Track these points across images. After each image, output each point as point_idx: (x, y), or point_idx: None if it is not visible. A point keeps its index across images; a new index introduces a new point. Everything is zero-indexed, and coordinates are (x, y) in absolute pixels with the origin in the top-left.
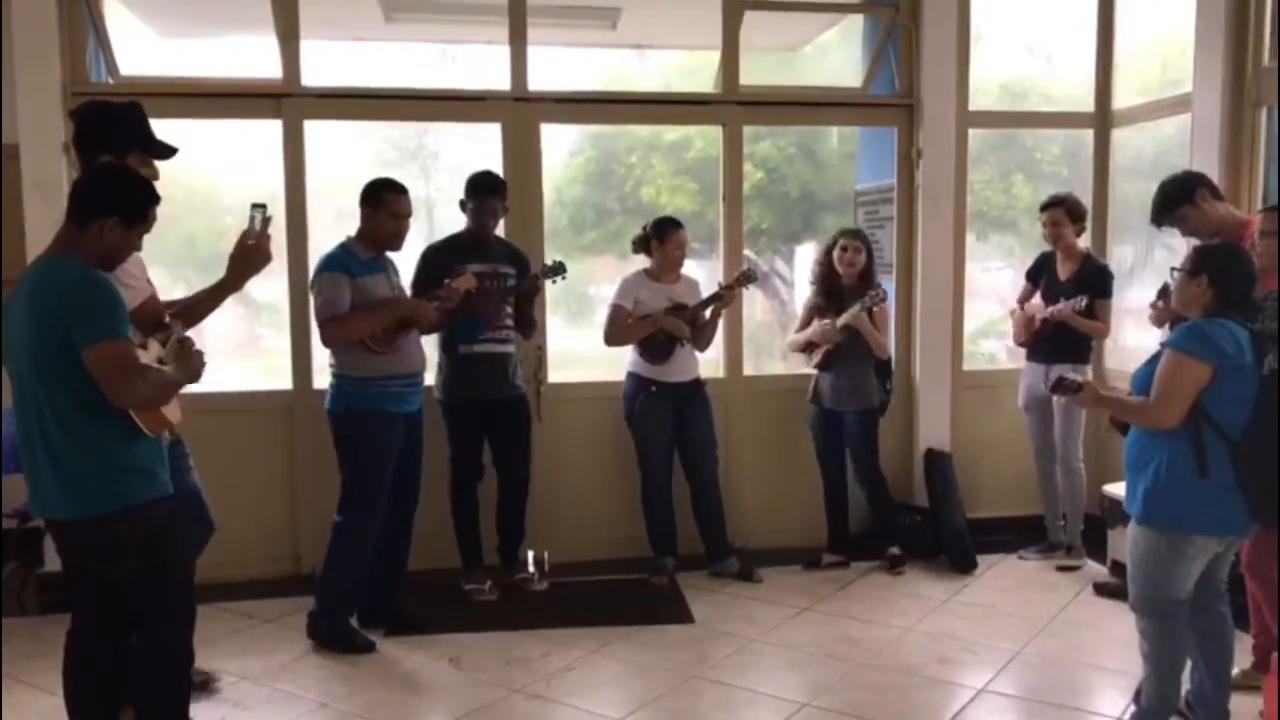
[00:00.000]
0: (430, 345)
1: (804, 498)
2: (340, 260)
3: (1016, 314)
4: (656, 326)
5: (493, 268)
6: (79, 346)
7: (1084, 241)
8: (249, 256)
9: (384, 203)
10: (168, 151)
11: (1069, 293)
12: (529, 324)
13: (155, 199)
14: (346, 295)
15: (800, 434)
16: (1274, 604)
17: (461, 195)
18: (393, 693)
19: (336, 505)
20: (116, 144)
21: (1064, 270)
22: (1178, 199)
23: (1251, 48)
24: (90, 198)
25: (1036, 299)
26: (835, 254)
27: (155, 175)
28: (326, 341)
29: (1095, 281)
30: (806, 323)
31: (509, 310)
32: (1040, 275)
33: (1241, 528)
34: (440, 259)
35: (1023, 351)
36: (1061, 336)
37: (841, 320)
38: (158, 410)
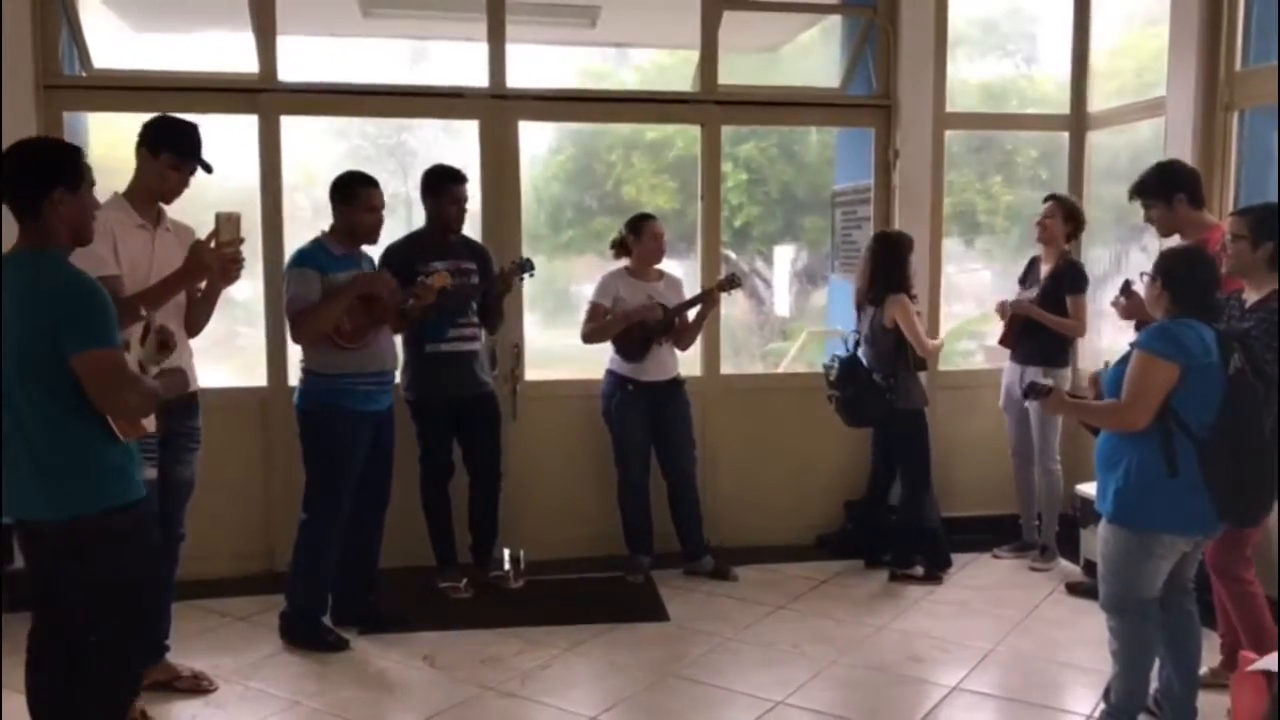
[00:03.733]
0: (397, 343)
1: (780, 497)
2: (312, 255)
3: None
4: (631, 319)
5: (456, 264)
6: (66, 351)
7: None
8: (192, 254)
9: (358, 197)
10: (204, 165)
11: (1046, 289)
12: (496, 319)
13: (79, 151)
14: (317, 290)
15: (777, 433)
16: (1238, 604)
17: (420, 192)
18: (366, 691)
19: (301, 503)
20: (156, 145)
21: (1044, 269)
22: (1155, 193)
23: (1224, 52)
24: (22, 183)
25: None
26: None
27: (185, 183)
28: (296, 337)
29: (1066, 277)
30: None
31: (474, 307)
32: (1029, 277)
33: (1209, 527)
34: (402, 258)
35: (1002, 353)
36: (1036, 337)
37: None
38: (137, 419)
